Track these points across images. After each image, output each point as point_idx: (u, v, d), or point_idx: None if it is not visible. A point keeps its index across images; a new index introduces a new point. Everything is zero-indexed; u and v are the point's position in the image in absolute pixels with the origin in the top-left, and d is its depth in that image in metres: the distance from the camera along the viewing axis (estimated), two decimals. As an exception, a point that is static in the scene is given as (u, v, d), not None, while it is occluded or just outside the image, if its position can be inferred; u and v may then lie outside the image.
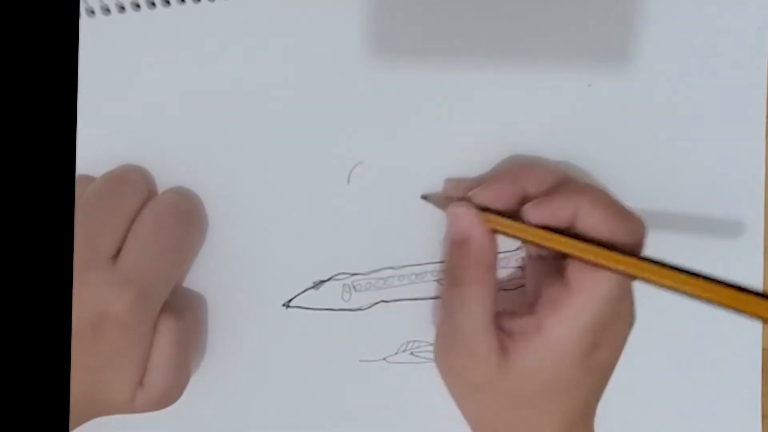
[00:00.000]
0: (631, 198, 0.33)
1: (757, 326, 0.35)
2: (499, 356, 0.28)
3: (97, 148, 0.31)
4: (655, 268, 0.24)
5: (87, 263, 0.27)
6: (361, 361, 0.33)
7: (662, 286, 0.24)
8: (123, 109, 0.32)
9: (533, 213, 0.28)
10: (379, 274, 0.33)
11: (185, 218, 0.30)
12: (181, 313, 0.30)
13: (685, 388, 0.35)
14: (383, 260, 0.33)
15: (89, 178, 0.31)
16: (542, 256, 0.31)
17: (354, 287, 0.33)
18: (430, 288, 0.33)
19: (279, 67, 0.32)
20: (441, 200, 0.32)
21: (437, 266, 0.33)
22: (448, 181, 0.32)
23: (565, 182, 0.29)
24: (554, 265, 0.29)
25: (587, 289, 0.27)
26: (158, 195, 0.31)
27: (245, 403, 0.34)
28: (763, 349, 0.35)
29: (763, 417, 0.35)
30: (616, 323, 0.28)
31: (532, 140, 0.32)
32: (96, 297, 0.27)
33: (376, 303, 0.33)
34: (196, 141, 0.32)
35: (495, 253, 0.29)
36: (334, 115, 0.32)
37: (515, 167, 0.32)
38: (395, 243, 0.33)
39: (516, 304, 0.31)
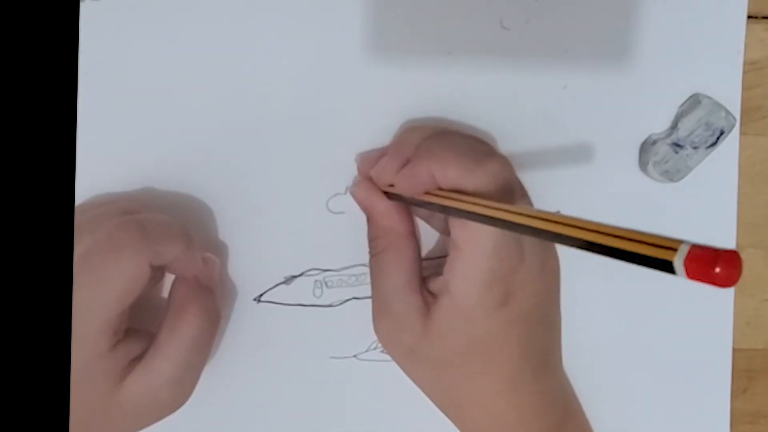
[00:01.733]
0: (625, 196, 0.33)
1: (727, 326, 0.35)
2: (422, 318, 0.29)
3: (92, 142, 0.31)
4: (519, 212, 0.23)
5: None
6: (331, 357, 0.33)
7: (536, 234, 0.22)
8: (109, 101, 0.31)
9: (398, 185, 0.29)
10: (351, 271, 0.33)
11: (117, 251, 0.27)
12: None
13: (654, 388, 0.35)
14: (355, 257, 0.33)
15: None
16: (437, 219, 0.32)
17: (326, 283, 0.33)
18: (402, 286, 0.33)
19: (276, 63, 0.32)
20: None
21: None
22: (357, 156, 0.32)
23: (424, 144, 0.29)
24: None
25: (470, 243, 0.27)
26: (105, 224, 0.28)
27: (213, 397, 0.34)
28: (733, 350, 0.35)
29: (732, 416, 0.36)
30: (522, 269, 0.27)
31: (530, 137, 0.33)
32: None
33: (348, 300, 0.33)
34: (177, 133, 0.32)
35: (405, 219, 0.30)
36: (322, 111, 0.32)
37: (397, 136, 0.32)
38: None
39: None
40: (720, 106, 0.32)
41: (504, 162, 0.27)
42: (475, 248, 0.27)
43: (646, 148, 0.33)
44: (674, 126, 0.32)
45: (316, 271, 0.33)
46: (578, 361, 0.33)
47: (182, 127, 0.32)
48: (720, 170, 0.34)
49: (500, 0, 0.32)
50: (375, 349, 0.33)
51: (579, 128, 0.33)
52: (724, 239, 0.34)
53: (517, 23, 0.32)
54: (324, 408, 0.34)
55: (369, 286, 0.31)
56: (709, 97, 0.32)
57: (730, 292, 0.35)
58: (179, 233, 0.29)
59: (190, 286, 0.29)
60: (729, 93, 0.33)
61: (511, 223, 0.23)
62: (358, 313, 0.33)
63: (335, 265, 0.33)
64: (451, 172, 0.27)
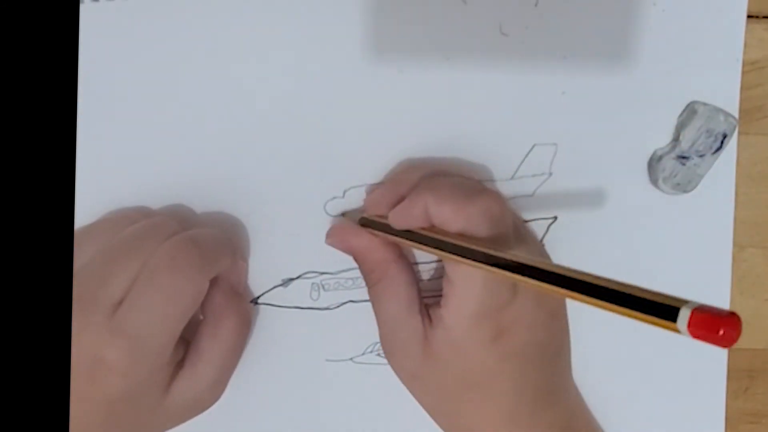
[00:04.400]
0: (621, 201, 0.33)
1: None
2: (422, 343, 0.29)
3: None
4: (499, 257, 0.24)
5: (89, 306, 0.27)
6: (327, 360, 0.33)
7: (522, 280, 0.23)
8: (108, 100, 0.31)
9: (392, 219, 0.29)
10: (348, 274, 0.33)
11: (181, 272, 0.27)
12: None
13: (649, 389, 0.35)
14: (352, 260, 0.32)
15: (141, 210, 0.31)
16: None
17: (323, 286, 0.33)
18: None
19: (275, 65, 0.32)
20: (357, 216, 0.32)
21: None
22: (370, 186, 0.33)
23: (423, 181, 0.30)
24: None
25: (462, 278, 0.27)
26: (164, 244, 0.28)
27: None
28: (734, 349, 0.35)
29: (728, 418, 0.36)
30: (515, 304, 0.28)
31: (527, 143, 0.33)
32: (91, 341, 0.26)
33: (345, 303, 0.33)
34: (175, 134, 0.32)
35: (390, 246, 0.30)
36: (320, 115, 0.32)
37: (394, 173, 0.32)
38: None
39: None
40: (718, 111, 0.32)
41: (495, 197, 0.28)
42: (467, 283, 0.27)
43: (653, 165, 0.33)
44: (676, 138, 0.32)
45: (313, 274, 0.33)
46: (574, 361, 0.33)
47: (180, 128, 0.32)
48: (718, 171, 0.34)
49: (500, 6, 0.32)
50: (371, 352, 0.33)
51: (577, 133, 0.33)
52: (723, 240, 0.34)
53: (517, 29, 0.32)
54: (320, 411, 0.34)
55: (365, 289, 0.31)
56: (705, 104, 0.32)
57: (727, 292, 0.35)
58: (228, 246, 0.30)
59: (224, 292, 0.30)
60: (729, 95, 0.33)
61: (503, 264, 0.24)
62: (354, 316, 0.33)
63: (332, 268, 0.33)
64: (446, 208, 0.27)
